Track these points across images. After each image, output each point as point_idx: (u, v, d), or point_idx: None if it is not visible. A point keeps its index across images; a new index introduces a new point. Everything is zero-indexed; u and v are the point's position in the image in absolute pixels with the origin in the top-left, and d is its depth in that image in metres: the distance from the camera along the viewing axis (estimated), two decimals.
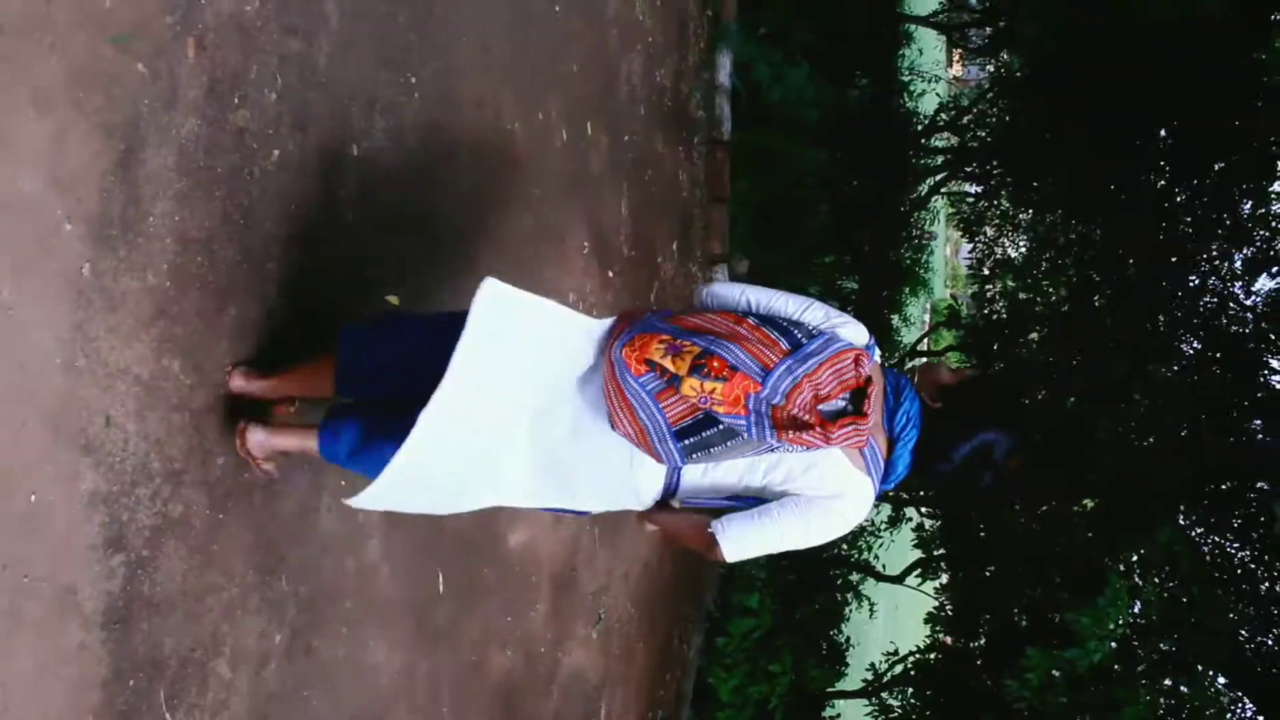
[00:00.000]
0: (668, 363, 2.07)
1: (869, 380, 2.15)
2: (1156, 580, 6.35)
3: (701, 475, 2.32)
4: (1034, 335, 9.11)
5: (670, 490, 2.35)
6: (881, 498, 2.33)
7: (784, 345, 2.10)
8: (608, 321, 2.31)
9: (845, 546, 9.64)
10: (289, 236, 2.84)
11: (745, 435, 2.10)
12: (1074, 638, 5.80)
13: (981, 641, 8.03)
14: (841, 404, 2.15)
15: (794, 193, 7.77)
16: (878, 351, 2.34)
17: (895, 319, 11.71)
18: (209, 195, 2.56)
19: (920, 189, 11.32)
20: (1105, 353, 7.60)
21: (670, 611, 6.66)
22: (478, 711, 4.09)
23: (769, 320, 2.19)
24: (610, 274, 5.26)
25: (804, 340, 2.13)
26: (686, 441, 2.15)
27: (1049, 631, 6.32)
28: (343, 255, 3.09)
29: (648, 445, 2.18)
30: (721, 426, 2.11)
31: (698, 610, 7.42)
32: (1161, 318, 7.87)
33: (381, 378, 2.50)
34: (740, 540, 2.27)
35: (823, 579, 9.23)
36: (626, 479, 2.33)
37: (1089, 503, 7.71)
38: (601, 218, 5.16)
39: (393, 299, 3.32)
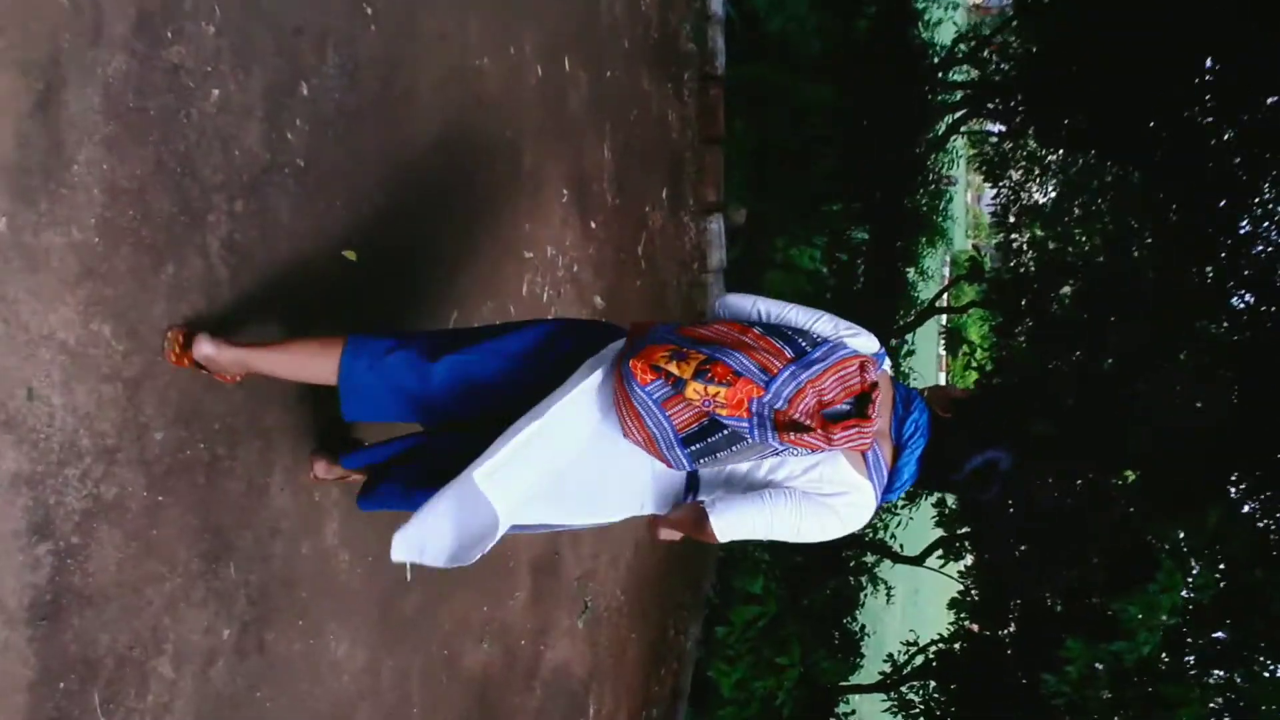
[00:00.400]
0: (673, 367, 2.31)
1: (874, 385, 2.36)
2: (1206, 562, 6.35)
3: (714, 476, 2.61)
4: (1066, 290, 9.12)
5: (691, 490, 2.65)
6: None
7: (788, 353, 2.34)
8: (616, 345, 2.59)
9: None
10: (232, 186, 2.81)
11: (749, 438, 2.32)
12: (1120, 628, 5.81)
13: (1012, 629, 8.08)
14: (846, 408, 2.36)
15: (796, 134, 7.75)
16: (888, 362, 2.56)
17: (911, 273, 11.72)
18: (140, 141, 2.53)
19: (937, 128, 11.29)
20: (1146, 308, 7.59)
21: (664, 599, 6.70)
22: (451, 711, 4.11)
23: (775, 330, 2.43)
24: (593, 225, 5.24)
25: (809, 348, 2.36)
26: (693, 448, 2.41)
27: (1088, 619, 6.35)
28: (293, 206, 3.07)
29: (657, 452, 2.45)
30: (726, 431, 2.35)
31: (695, 597, 7.46)
32: (1209, 269, 7.86)
33: (390, 410, 2.75)
34: (729, 517, 2.48)
35: (834, 561, 9.26)
36: (649, 486, 2.65)
37: (1129, 475, 7.74)
38: (582, 163, 5.13)
39: (350, 254, 3.30)
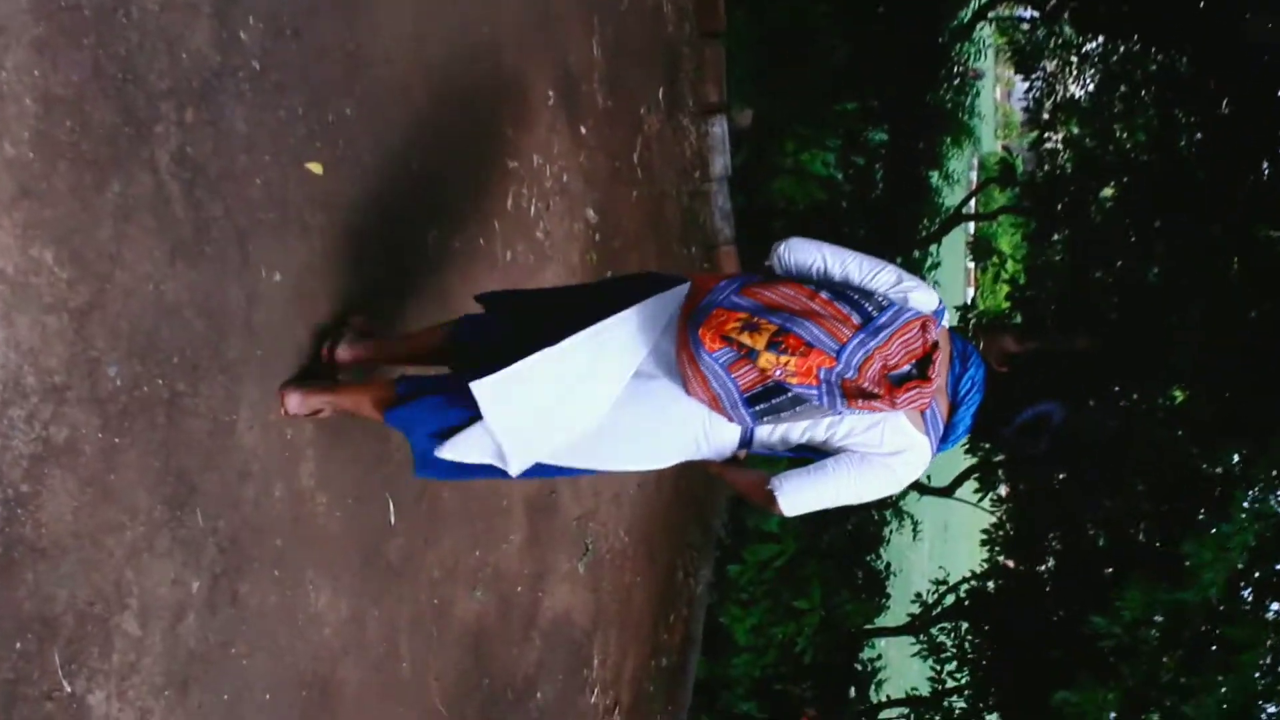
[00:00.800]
0: (745, 339, 2.60)
1: (935, 346, 2.64)
2: (1265, 489, 6.34)
3: (770, 432, 2.88)
4: (1107, 192, 9.06)
5: (745, 443, 2.91)
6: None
7: (856, 319, 2.61)
8: (682, 288, 2.92)
9: None
10: (180, 93, 2.77)
11: (815, 403, 2.64)
12: (1185, 570, 5.78)
13: (1050, 564, 8.13)
14: (908, 369, 2.63)
15: (805, 23, 7.65)
16: (947, 316, 2.85)
17: (935, 177, 11.65)
18: (75, 43, 2.49)
19: (962, 15, 11.16)
20: (1195, 211, 7.54)
21: (672, 539, 6.74)
22: (443, 663, 4.15)
23: (841, 294, 2.68)
24: (582, 130, 5.19)
25: (875, 314, 2.63)
26: (758, 407, 2.70)
27: (1136, 553, 6.36)
28: (249, 114, 3.03)
29: (721, 410, 2.75)
30: (791, 394, 2.64)
31: (705, 536, 7.51)
32: (1265, 165, 7.79)
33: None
34: (797, 495, 2.81)
35: None
36: (706, 434, 2.90)
37: (1177, 394, 7.74)
38: (568, 61, 5.07)
39: (314, 166, 3.27)
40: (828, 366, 2.56)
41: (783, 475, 2.83)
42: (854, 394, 2.58)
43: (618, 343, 2.86)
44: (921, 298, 2.75)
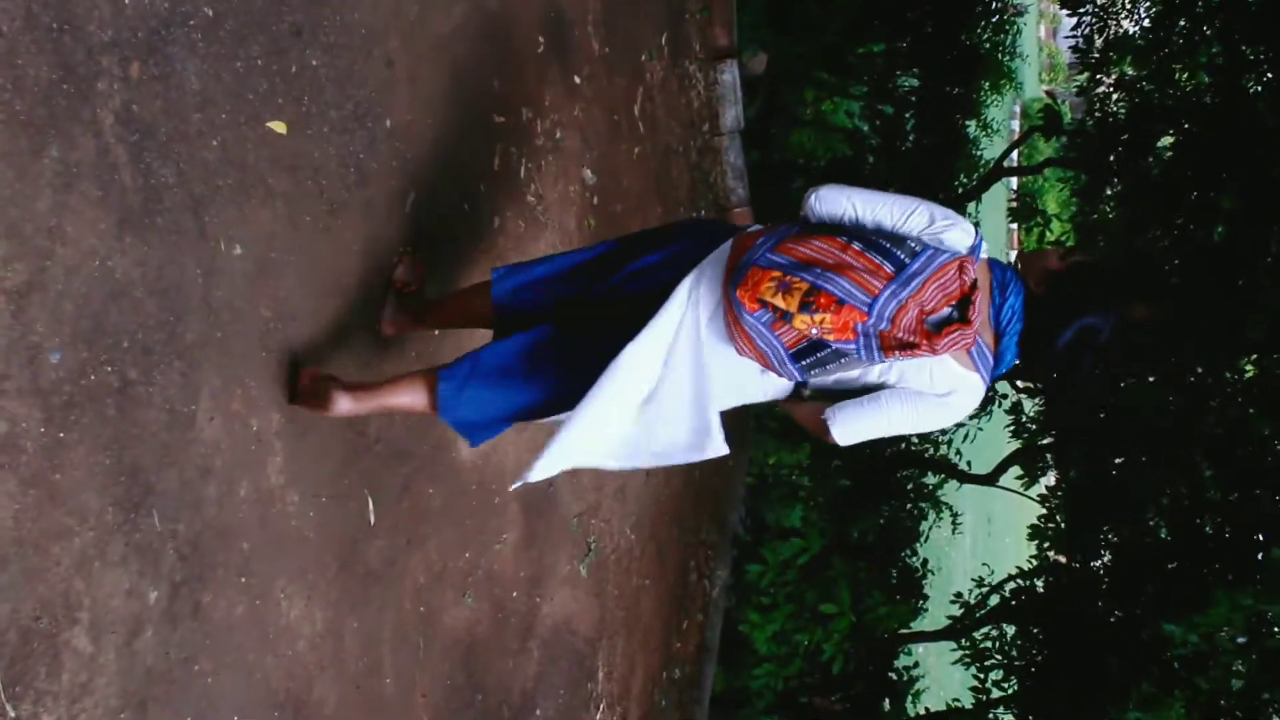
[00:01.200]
0: (779, 300, 2.85)
1: (973, 286, 2.87)
2: None
3: (823, 380, 3.15)
4: (1166, 141, 9.01)
5: (802, 384, 3.18)
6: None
7: (888, 268, 2.84)
8: (724, 249, 3.19)
9: (916, 439, 9.66)
10: (125, 45, 2.76)
11: (855, 357, 2.92)
12: (1268, 572, 5.74)
13: (1106, 558, 8.11)
14: (948, 312, 2.88)
15: None
16: (985, 246, 3.04)
17: (972, 127, 11.58)
18: None
19: None
20: (1266, 161, 7.49)
21: (684, 536, 6.75)
22: (431, 678, 4.16)
23: (874, 243, 2.91)
24: (576, 80, 5.18)
25: (908, 260, 2.86)
26: (804, 362, 2.99)
27: (1201, 547, 6.33)
28: (202, 68, 3.02)
29: (770, 366, 3.05)
30: (833, 348, 2.92)
31: (721, 534, 7.52)
32: None
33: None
34: (851, 424, 3.09)
35: (887, 484, 9.28)
36: (760, 384, 3.24)
37: (1248, 368, 7.71)
38: (560, 2, 5.06)
39: (278, 125, 3.26)
40: (861, 321, 2.82)
41: (837, 406, 3.10)
42: (891, 345, 2.84)
43: (671, 326, 3.12)
44: (956, 236, 2.95)
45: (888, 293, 2.82)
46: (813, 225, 3.11)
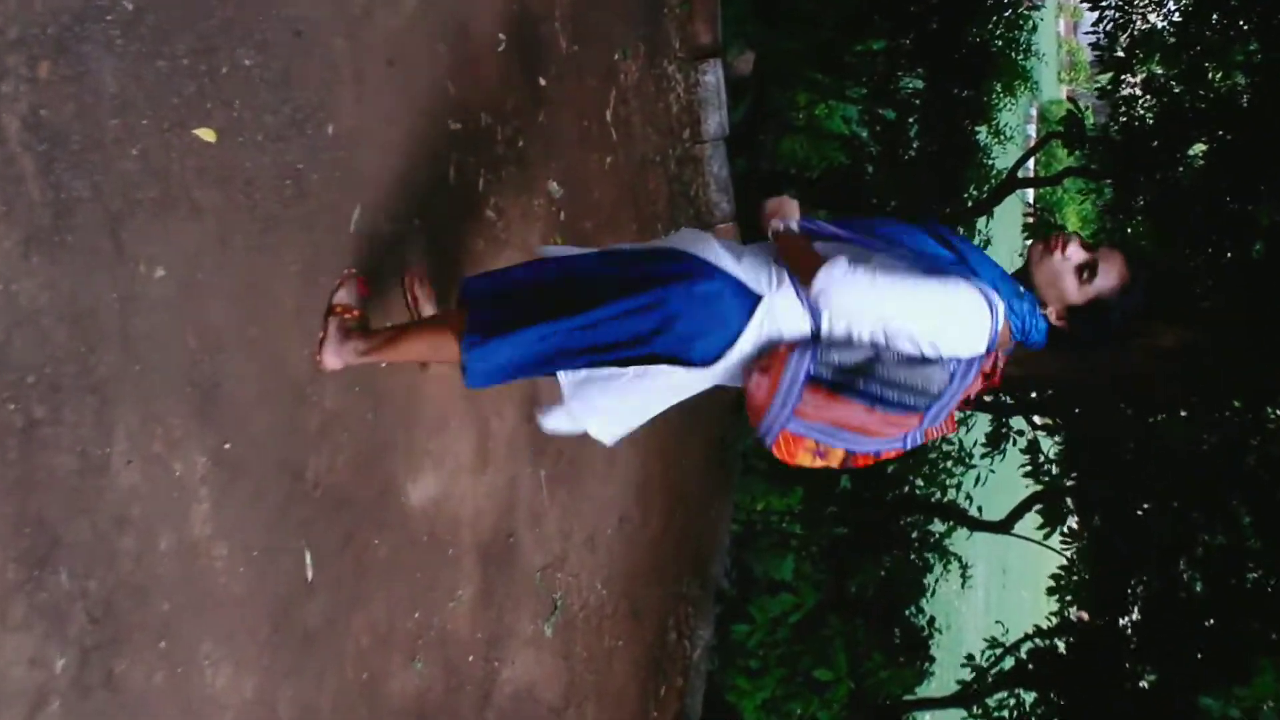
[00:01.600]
0: (818, 462, 3.39)
1: (996, 363, 3.33)
2: None
3: None
4: (1198, 148, 9.07)
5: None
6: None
7: (915, 419, 3.26)
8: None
9: (920, 482, 9.68)
10: (33, 42, 2.77)
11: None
12: None
13: (1135, 615, 8.11)
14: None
15: None
16: (1001, 311, 3.21)
17: (984, 132, 11.64)
18: None
19: None
20: None
21: (662, 590, 6.75)
22: None
23: (898, 403, 3.22)
24: (542, 82, 5.19)
25: (934, 401, 3.23)
26: None
27: (1240, 602, 6.33)
28: (121, 67, 3.02)
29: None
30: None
31: (703, 588, 7.51)
32: None
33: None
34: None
35: (888, 532, 9.29)
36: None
37: None
38: None
39: (205, 133, 3.25)
40: (898, 456, 3.60)
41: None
42: (930, 434, 3.39)
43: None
44: (977, 337, 3.21)
45: (920, 429, 3.31)
46: (831, 373, 3.25)
